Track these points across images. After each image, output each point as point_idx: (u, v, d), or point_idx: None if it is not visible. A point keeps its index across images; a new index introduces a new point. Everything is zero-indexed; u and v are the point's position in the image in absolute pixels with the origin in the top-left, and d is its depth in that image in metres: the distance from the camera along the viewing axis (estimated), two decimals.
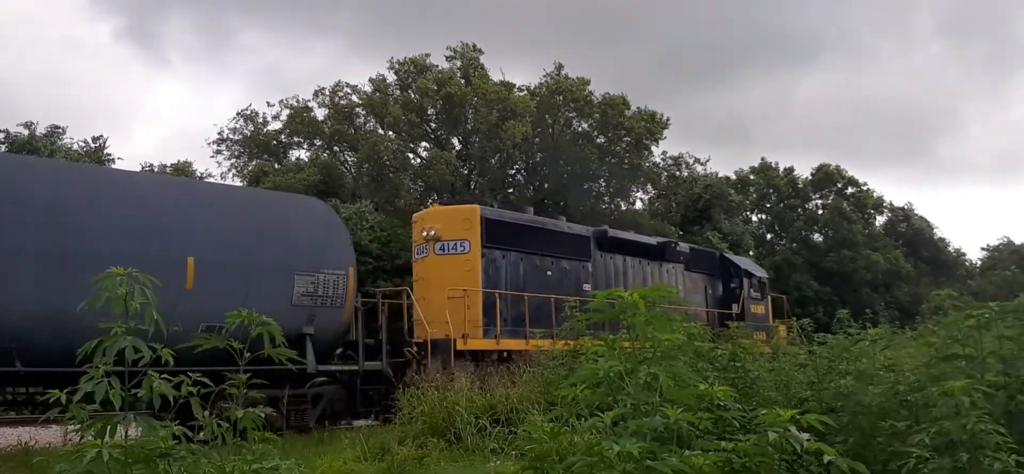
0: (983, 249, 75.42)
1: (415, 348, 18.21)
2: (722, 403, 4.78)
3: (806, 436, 4.07)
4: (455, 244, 19.52)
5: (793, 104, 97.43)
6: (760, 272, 30.49)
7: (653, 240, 26.04)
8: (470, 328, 18.41)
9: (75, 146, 34.72)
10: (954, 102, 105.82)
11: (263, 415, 4.64)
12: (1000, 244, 73.61)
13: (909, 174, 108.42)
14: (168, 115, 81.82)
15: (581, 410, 4.94)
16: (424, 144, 40.79)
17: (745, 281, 28.31)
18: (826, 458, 4.06)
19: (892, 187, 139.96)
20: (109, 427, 3.96)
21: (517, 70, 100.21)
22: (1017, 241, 73.20)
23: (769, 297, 29.68)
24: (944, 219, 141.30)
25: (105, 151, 35.75)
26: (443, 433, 11.20)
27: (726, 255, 30.86)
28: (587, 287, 21.63)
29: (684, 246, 27.32)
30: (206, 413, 4.46)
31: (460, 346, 17.88)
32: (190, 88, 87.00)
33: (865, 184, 58.58)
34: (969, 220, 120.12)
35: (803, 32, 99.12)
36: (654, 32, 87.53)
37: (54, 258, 12.90)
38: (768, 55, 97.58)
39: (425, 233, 19.84)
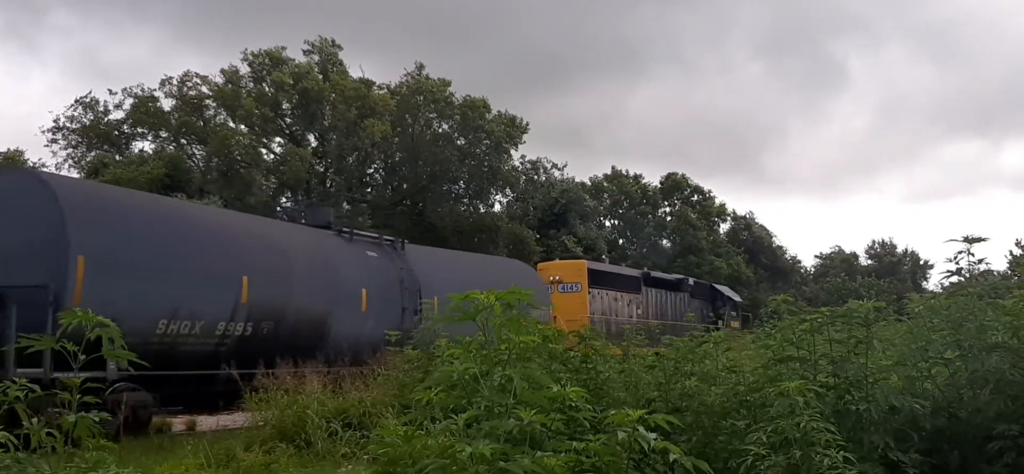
0: (816, 257, 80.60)
1: None
2: (574, 404, 4.86)
3: (653, 435, 4.17)
4: (571, 286, 28.97)
5: (630, 112, 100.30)
6: (736, 297, 41.28)
7: (673, 277, 37.28)
8: None
9: None
10: (775, 117, 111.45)
11: (97, 421, 4.40)
12: (832, 252, 78.84)
13: (740, 183, 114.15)
14: None
15: (436, 413, 4.90)
16: (278, 140, 39.66)
17: (727, 304, 38.67)
18: (672, 456, 4.19)
19: (727, 195, 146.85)
20: None
21: (377, 68, 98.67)
22: (847, 250, 78.66)
23: (741, 314, 39.80)
24: (781, 228, 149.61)
25: None
26: (293, 438, 10.90)
27: (715, 286, 41.61)
28: (639, 311, 31.57)
29: (690, 280, 38.29)
30: (34, 421, 4.19)
31: None
32: None
33: (710, 191, 61.39)
34: (801, 229, 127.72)
35: (633, 43, 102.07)
36: (505, 37, 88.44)
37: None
38: (605, 64, 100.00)
39: (551, 278, 28.66)
